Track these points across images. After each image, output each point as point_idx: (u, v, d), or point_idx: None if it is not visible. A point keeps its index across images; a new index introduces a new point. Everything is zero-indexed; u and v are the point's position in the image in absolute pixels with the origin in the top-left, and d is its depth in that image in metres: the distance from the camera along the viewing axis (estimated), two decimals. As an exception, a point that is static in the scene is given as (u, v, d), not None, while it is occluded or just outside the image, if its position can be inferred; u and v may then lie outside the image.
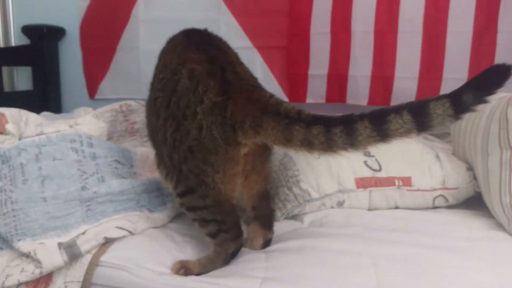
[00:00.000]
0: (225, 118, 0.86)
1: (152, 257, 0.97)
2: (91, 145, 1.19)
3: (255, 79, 1.00)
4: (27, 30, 2.32)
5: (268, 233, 1.02)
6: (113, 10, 2.26)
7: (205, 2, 2.12)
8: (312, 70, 1.99)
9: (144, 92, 2.23)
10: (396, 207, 1.17)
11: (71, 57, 2.40)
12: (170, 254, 0.99)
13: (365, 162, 1.17)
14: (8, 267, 0.94)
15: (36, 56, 2.31)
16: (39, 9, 2.36)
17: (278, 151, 1.27)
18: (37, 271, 0.91)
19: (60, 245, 0.96)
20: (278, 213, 1.13)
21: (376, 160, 1.18)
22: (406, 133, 0.80)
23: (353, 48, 1.90)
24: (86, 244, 0.97)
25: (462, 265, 0.89)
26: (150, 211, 1.12)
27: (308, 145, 0.82)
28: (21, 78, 2.44)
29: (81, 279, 0.94)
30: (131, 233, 1.02)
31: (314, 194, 1.13)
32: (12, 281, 0.91)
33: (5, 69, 2.26)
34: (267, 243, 1.02)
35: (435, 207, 1.18)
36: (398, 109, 0.79)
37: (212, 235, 0.94)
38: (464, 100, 0.76)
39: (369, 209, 1.17)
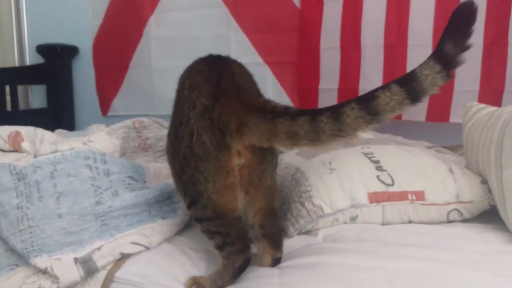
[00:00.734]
0: (213, 121, 0.86)
1: (166, 273, 0.97)
2: (104, 161, 1.20)
3: (256, 89, 1.00)
4: (42, 49, 2.38)
5: (277, 252, 1.01)
6: (125, 28, 2.31)
7: (215, 19, 2.16)
8: (323, 84, 2.01)
9: (156, 108, 2.29)
10: (410, 222, 1.16)
11: (84, 75, 2.45)
12: (184, 270, 0.99)
13: (377, 176, 1.17)
14: (25, 284, 0.95)
15: (50, 74, 2.36)
16: (53, 29, 2.42)
17: (290, 167, 1.28)
18: (54, 286, 0.92)
19: (76, 260, 0.97)
20: (291, 229, 1.13)
21: (389, 174, 1.17)
22: (398, 105, 0.77)
23: (363, 62, 1.92)
24: (102, 259, 0.97)
25: (478, 280, 0.87)
26: (163, 218, 1.12)
27: (294, 137, 0.80)
28: (36, 96, 2.49)
29: (96, 295, 0.94)
30: (147, 248, 1.03)
31: (327, 210, 1.13)
32: (29, 298, 0.92)
33: (20, 88, 2.31)
34: (276, 261, 1.01)
35: (449, 221, 1.17)
36: (385, 85, 0.78)
37: (219, 248, 0.94)
38: (446, 51, 0.75)
39: (382, 224, 1.16)
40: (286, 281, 0.92)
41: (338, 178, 1.16)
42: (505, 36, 1.72)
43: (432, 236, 1.08)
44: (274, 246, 1.01)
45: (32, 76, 2.36)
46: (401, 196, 1.14)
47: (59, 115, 2.39)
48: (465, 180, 1.18)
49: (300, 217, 1.13)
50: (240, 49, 2.11)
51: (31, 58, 2.46)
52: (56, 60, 2.36)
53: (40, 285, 0.93)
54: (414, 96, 0.77)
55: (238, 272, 0.94)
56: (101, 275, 0.96)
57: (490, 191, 1.16)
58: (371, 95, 0.79)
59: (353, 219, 1.15)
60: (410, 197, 1.14)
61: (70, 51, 2.39)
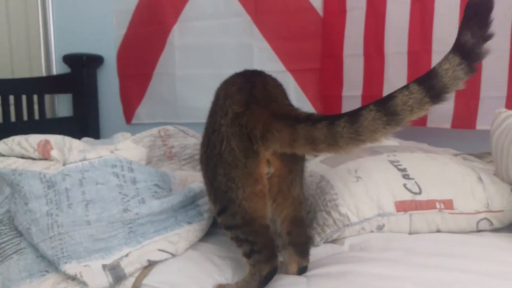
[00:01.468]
0: (242, 128, 0.88)
1: (193, 281, 0.98)
2: (131, 169, 1.22)
3: (287, 100, 1.01)
4: (68, 59, 2.43)
5: (303, 260, 1.01)
6: (149, 37, 2.34)
7: (238, 27, 2.17)
8: (346, 91, 2.00)
9: (179, 116, 2.32)
10: (438, 231, 1.14)
11: (109, 83, 2.50)
12: (210, 278, 1.00)
13: (404, 185, 1.15)
14: (55, 290, 0.96)
15: (76, 83, 2.41)
16: (79, 39, 2.48)
17: (315, 175, 1.27)
18: (83, 293, 0.93)
19: (104, 267, 0.98)
20: (317, 238, 1.12)
21: (416, 182, 1.16)
22: (417, 104, 0.74)
23: (386, 69, 1.91)
24: (130, 266, 0.98)
25: (512, 292, 0.86)
26: (189, 223, 1.13)
27: (313, 142, 0.80)
28: (61, 105, 2.54)
29: (124, 302, 0.95)
30: (173, 255, 1.04)
31: (354, 219, 1.12)
32: (59, 303, 0.93)
33: (46, 97, 2.36)
34: (302, 270, 1.00)
35: (478, 231, 1.14)
36: (404, 85, 0.75)
37: (247, 255, 0.94)
38: (463, 41, 0.73)
39: (410, 233, 1.14)
40: (314, 290, 0.91)
41: (365, 187, 1.15)
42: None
43: (461, 246, 1.06)
44: (301, 254, 1.00)
45: (58, 85, 2.41)
46: (429, 205, 1.13)
47: (84, 124, 2.43)
48: (495, 189, 1.16)
49: (326, 226, 1.12)
50: (263, 57, 2.12)
51: (57, 67, 2.52)
52: (82, 70, 2.41)
53: (70, 291, 0.94)
54: (434, 94, 0.74)
55: (265, 281, 0.93)
56: (129, 282, 0.97)
57: (520, 200, 1.13)
58: (389, 96, 0.77)
59: (380, 228, 1.14)
60: (438, 206, 1.12)
61: (95, 61, 2.44)
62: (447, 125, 1.86)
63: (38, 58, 2.51)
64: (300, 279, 0.96)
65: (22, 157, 1.37)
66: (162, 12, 2.27)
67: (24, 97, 2.14)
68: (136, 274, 0.98)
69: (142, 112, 2.42)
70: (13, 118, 2.07)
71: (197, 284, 0.97)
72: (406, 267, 0.95)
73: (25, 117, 2.14)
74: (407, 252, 1.02)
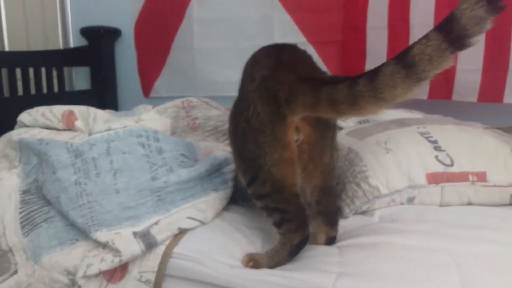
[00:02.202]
0: (268, 91, 0.86)
1: (223, 249, 0.97)
2: (157, 139, 1.21)
3: (315, 67, 0.98)
4: (85, 31, 2.40)
5: (331, 230, 1.00)
6: (167, 10, 2.30)
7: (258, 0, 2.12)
8: (369, 64, 1.96)
9: (198, 89, 2.30)
10: (469, 203, 1.12)
11: (126, 57, 2.47)
12: (240, 247, 0.99)
13: (436, 156, 1.13)
14: (87, 257, 0.97)
15: (94, 56, 2.38)
16: (96, 11, 2.44)
17: (343, 147, 1.25)
18: (117, 259, 0.93)
19: (135, 234, 0.98)
20: (346, 210, 1.11)
21: (448, 154, 1.13)
22: (435, 52, 0.67)
23: (411, 41, 1.85)
24: (161, 234, 0.98)
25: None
26: (215, 190, 1.13)
27: (334, 103, 0.78)
28: (79, 78, 2.53)
29: (155, 269, 0.95)
30: (202, 223, 1.03)
31: (384, 190, 1.10)
32: (93, 270, 0.93)
33: (64, 70, 2.34)
34: (330, 240, 1.00)
35: (511, 204, 1.12)
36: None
37: (277, 225, 0.93)
38: None
39: (441, 205, 1.12)
40: (346, 260, 0.90)
41: (395, 158, 1.13)
42: None
43: (495, 218, 1.04)
44: (329, 224, 0.99)
45: (76, 58, 2.39)
46: (461, 177, 1.10)
47: (102, 97, 2.42)
48: (529, 161, 1.13)
49: (356, 198, 1.11)
50: (284, 29, 2.08)
51: (74, 40, 2.49)
52: (99, 43, 2.38)
53: (102, 258, 0.94)
54: (453, 38, 0.67)
55: (295, 250, 0.92)
56: (159, 250, 0.97)
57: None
58: (408, 47, 0.71)
59: (410, 200, 1.12)
60: (471, 178, 1.10)
61: (113, 33, 2.41)
62: (473, 98, 1.81)
63: (55, 31, 2.48)
64: (332, 249, 0.96)
65: (47, 127, 1.37)
66: (180, -16, 2.23)
67: (43, 70, 2.13)
68: (167, 242, 0.98)
69: (160, 85, 2.40)
70: (33, 91, 2.07)
71: (227, 253, 0.97)
72: (440, 239, 0.93)
73: (45, 90, 2.13)
74: (441, 224, 1.00)
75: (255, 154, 0.89)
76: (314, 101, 0.81)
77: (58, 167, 1.09)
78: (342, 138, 1.31)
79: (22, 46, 2.28)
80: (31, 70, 2.06)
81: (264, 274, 0.89)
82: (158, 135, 1.21)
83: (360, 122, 1.54)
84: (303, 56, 0.98)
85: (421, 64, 0.69)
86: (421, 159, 1.13)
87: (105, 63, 2.42)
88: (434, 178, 1.10)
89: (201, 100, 1.54)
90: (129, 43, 2.43)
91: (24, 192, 1.17)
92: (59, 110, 1.36)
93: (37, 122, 1.38)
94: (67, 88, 2.40)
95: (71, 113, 1.33)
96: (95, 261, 0.94)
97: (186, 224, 1.01)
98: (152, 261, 0.96)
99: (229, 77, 2.25)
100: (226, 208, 1.14)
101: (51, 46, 2.42)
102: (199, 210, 1.05)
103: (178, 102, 1.48)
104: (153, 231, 0.99)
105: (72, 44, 2.50)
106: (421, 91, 1.83)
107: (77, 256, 1.00)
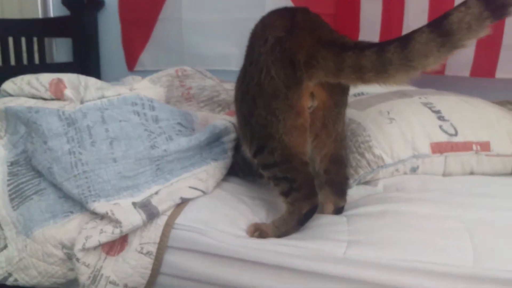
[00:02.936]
0: (284, 53, 0.82)
1: (227, 219, 0.94)
2: (153, 108, 1.16)
3: (331, 29, 0.93)
4: (68, 1, 2.30)
5: (339, 200, 0.98)
6: (154, -20, 2.21)
7: (250, -30, 2.05)
8: (362, 37, 1.92)
9: (185, 63, 2.22)
10: (471, 173, 1.12)
11: (110, 28, 2.38)
12: (244, 217, 0.96)
13: (440, 126, 1.12)
14: (84, 230, 0.92)
15: (76, 27, 2.29)
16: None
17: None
18: (117, 231, 0.89)
19: (134, 204, 0.94)
20: (350, 180, 1.08)
21: (452, 124, 1.12)
22: (475, 20, 0.65)
23: (406, 13, 1.82)
24: (162, 204, 0.94)
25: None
26: (215, 160, 1.09)
27: (360, 70, 0.75)
28: (60, 50, 2.43)
29: (157, 240, 0.91)
30: (204, 193, 0.99)
31: (388, 160, 1.08)
32: (93, 242, 0.89)
33: (45, 41, 2.24)
34: (338, 211, 0.97)
35: (512, 173, 1.12)
36: (462, 1, 0.67)
37: (285, 194, 0.90)
38: None
39: (444, 175, 1.12)
40: (355, 229, 0.88)
41: (399, 128, 1.11)
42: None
43: (498, 187, 1.04)
44: (338, 194, 0.97)
45: (58, 28, 2.28)
46: (466, 147, 1.09)
47: (84, 70, 2.29)
48: (532, 131, 1.12)
49: (360, 168, 1.09)
50: (275, 1, 2.02)
51: (56, 10, 2.38)
52: (82, 13, 2.28)
53: (101, 230, 0.90)
54: (495, 6, 0.65)
55: (304, 219, 0.90)
56: (161, 221, 0.93)
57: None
58: (444, 14, 0.68)
59: (414, 170, 1.11)
60: (475, 148, 1.09)
61: (96, 4, 2.31)
62: (466, 73, 1.80)
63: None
64: (340, 218, 0.93)
65: (33, 97, 1.29)
66: (168, -49, 2.14)
67: (23, 40, 2.03)
68: (169, 213, 0.94)
69: (145, 58, 2.32)
70: (12, 61, 1.97)
71: (231, 222, 0.93)
72: (450, 206, 0.92)
73: (25, 61, 2.04)
74: (448, 193, 1.00)
75: (266, 121, 0.85)
76: (337, 67, 0.77)
77: (49, 136, 1.03)
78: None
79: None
80: (10, 40, 1.95)
81: (272, 243, 0.87)
82: (154, 103, 1.16)
83: (355, 95, 1.51)
84: (317, 18, 0.93)
85: (459, 33, 0.66)
86: (425, 128, 1.11)
87: (88, 34, 2.33)
88: (438, 148, 1.09)
89: (195, 70, 1.48)
90: (113, 13, 2.34)
91: (12, 164, 1.11)
92: (46, 78, 1.28)
93: (22, 91, 1.30)
94: (47, 60, 2.30)
95: (60, 81, 1.26)
96: (94, 233, 0.90)
97: (188, 193, 0.98)
98: (154, 232, 0.92)
99: (219, 50, 2.22)
100: (225, 179, 1.11)
101: (27, 16, 2.30)
102: (200, 180, 1.01)
103: (171, 71, 1.42)
104: (154, 201, 0.95)
105: (52, 13, 2.39)
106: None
107: (72, 229, 0.95)
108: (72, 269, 0.95)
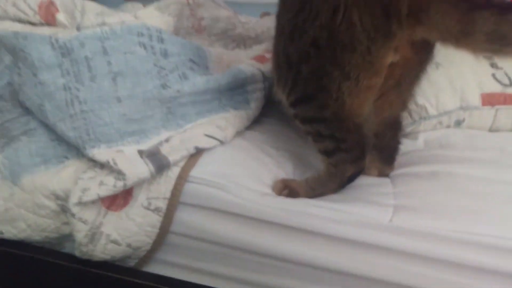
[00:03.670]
0: None
1: (249, 173, 0.81)
2: (161, 40, 0.98)
3: None
4: None
5: (387, 168, 0.84)
6: None
7: None
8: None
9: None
10: (520, 129, 0.99)
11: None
12: (268, 171, 0.83)
13: (493, 75, 0.97)
14: (81, 180, 0.78)
15: None
16: None
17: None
18: (120, 183, 0.75)
19: (141, 153, 0.80)
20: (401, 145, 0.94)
21: (505, 73, 0.97)
22: None
23: None
24: (175, 153, 0.80)
25: None
26: (235, 109, 0.94)
27: (499, 40, 0.58)
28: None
29: (168, 195, 0.78)
30: (221, 142, 0.85)
31: (432, 111, 0.95)
32: (91, 196, 0.75)
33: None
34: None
35: None
36: None
37: (328, 153, 0.75)
38: None
39: (490, 130, 0.98)
40: (402, 191, 0.76)
41: (447, 75, 0.97)
42: None
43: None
44: (386, 161, 0.83)
45: None
46: (521, 100, 0.95)
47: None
48: None
49: (399, 118, 0.95)
50: None
51: None
52: None
53: (101, 181, 0.76)
54: None
55: (346, 182, 0.77)
56: (172, 173, 0.79)
57: None
58: None
59: (458, 124, 0.97)
60: (530, 102, 0.95)
61: None
62: None
63: None
64: (383, 179, 0.81)
65: (19, 21, 1.11)
66: None
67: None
68: (182, 164, 0.80)
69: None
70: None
71: (254, 177, 0.80)
72: (504, 169, 0.80)
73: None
74: (501, 152, 0.87)
75: (325, 74, 0.68)
76: (463, 29, 0.59)
77: (40, 68, 0.87)
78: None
79: None
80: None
81: (305, 204, 0.74)
82: (163, 35, 0.99)
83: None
84: None
85: None
86: (476, 76, 0.97)
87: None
88: (490, 99, 0.95)
89: (210, -3, 1.29)
90: None
91: (-5, 98, 0.95)
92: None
93: (7, 14, 1.11)
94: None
95: (51, 3, 1.08)
96: (93, 185, 0.76)
97: (204, 142, 0.83)
98: (164, 186, 0.79)
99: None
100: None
101: None
102: (218, 127, 0.87)
103: (182, -3, 1.23)
104: (164, 149, 0.81)
105: None
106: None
107: (67, 178, 0.81)
108: (66, 223, 0.82)
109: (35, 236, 0.84)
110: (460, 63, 0.98)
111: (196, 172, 0.80)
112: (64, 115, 0.83)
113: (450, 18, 0.60)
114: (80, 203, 0.77)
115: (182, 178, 0.79)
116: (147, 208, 0.79)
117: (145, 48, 0.95)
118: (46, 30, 1.05)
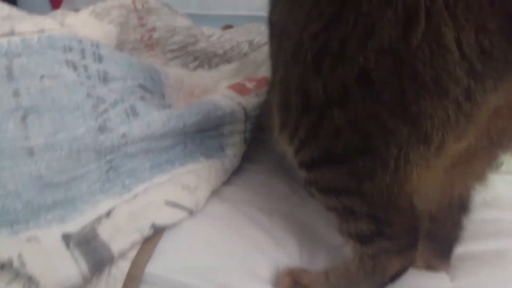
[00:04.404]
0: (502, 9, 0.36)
1: (235, 262, 0.54)
2: (99, 58, 0.69)
3: None
4: None
5: (438, 263, 0.58)
6: None
7: None
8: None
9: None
10: None
11: None
12: (263, 255, 0.56)
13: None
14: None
15: None
16: None
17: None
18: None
19: (67, 239, 0.51)
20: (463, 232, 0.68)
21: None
22: None
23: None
24: (121, 238, 0.51)
25: None
26: (207, 157, 0.67)
27: None
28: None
29: (112, 308, 0.49)
30: (191, 213, 0.58)
31: None
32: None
33: None
34: None
35: None
36: None
37: (363, 239, 0.49)
38: None
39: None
40: (463, 286, 0.51)
41: None
42: None
43: None
44: (439, 253, 0.57)
45: None
46: None
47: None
48: None
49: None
50: None
51: None
52: None
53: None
54: None
55: (389, 282, 0.50)
56: (118, 271, 0.50)
57: None
58: None
59: None
60: None
61: None
62: None
63: None
64: (441, 274, 0.55)
65: None
66: None
67: None
68: (132, 255, 0.52)
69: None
70: None
71: (243, 267, 0.53)
72: None
73: None
74: None
75: (378, 129, 0.41)
76: None
77: None
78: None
79: None
80: None
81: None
82: (101, 50, 0.70)
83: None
84: None
85: None
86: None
87: None
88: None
89: (161, 3, 1.00)
90: None
91: None
92: None
93: None
94: None
95: None
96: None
97: (165, 215, 0.55)
98: (105, 291, 0.50)
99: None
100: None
101: None
102: (184, 188, 0.59)
103: (127, 0, 0.94)
104: (104, 231, 0.52)
105: None
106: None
107: None
108: None
109: None
110: None
111: (154, 267, 0.51)
112: None
113: None
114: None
115: (133, 279, 0.50)
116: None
117: (74, 69, 0.66)
118: None
